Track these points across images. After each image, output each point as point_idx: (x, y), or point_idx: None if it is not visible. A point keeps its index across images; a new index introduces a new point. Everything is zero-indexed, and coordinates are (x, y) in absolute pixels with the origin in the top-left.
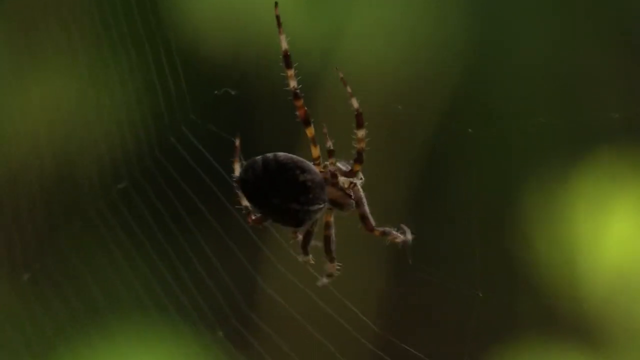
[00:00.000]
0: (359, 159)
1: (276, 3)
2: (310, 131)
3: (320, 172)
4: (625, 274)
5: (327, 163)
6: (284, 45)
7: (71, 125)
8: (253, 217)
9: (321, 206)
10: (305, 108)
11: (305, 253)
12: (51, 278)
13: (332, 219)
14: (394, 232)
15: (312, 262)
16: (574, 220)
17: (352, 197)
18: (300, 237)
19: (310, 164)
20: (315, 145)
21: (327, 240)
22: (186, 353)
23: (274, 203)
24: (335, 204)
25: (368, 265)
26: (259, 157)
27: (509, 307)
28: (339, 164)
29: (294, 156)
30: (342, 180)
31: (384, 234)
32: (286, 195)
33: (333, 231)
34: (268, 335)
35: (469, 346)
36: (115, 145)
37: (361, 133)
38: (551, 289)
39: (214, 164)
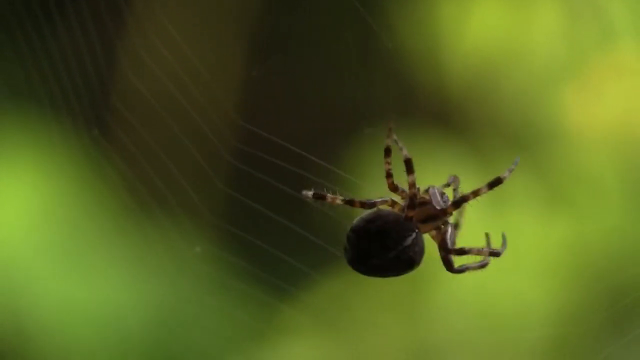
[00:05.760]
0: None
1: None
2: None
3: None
4: (487, 59)
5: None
6: (405, 153)
7: None
8: None
9: (413, 235)
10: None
11: (454, 253)
12: None
13: (441, 230)
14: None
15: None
16: (437, 4)
17: (430, 202)
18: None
19: (375, 210)
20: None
21: (443, 245)
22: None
23: (376, 264)
24: (429, 220)
25: (232, 54)
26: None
27: (370, 92)
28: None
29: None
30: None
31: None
32: (377, 251)
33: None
34: (134, 127)
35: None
36: None
37: (411, 178)
38: (413, 74)
39: None
